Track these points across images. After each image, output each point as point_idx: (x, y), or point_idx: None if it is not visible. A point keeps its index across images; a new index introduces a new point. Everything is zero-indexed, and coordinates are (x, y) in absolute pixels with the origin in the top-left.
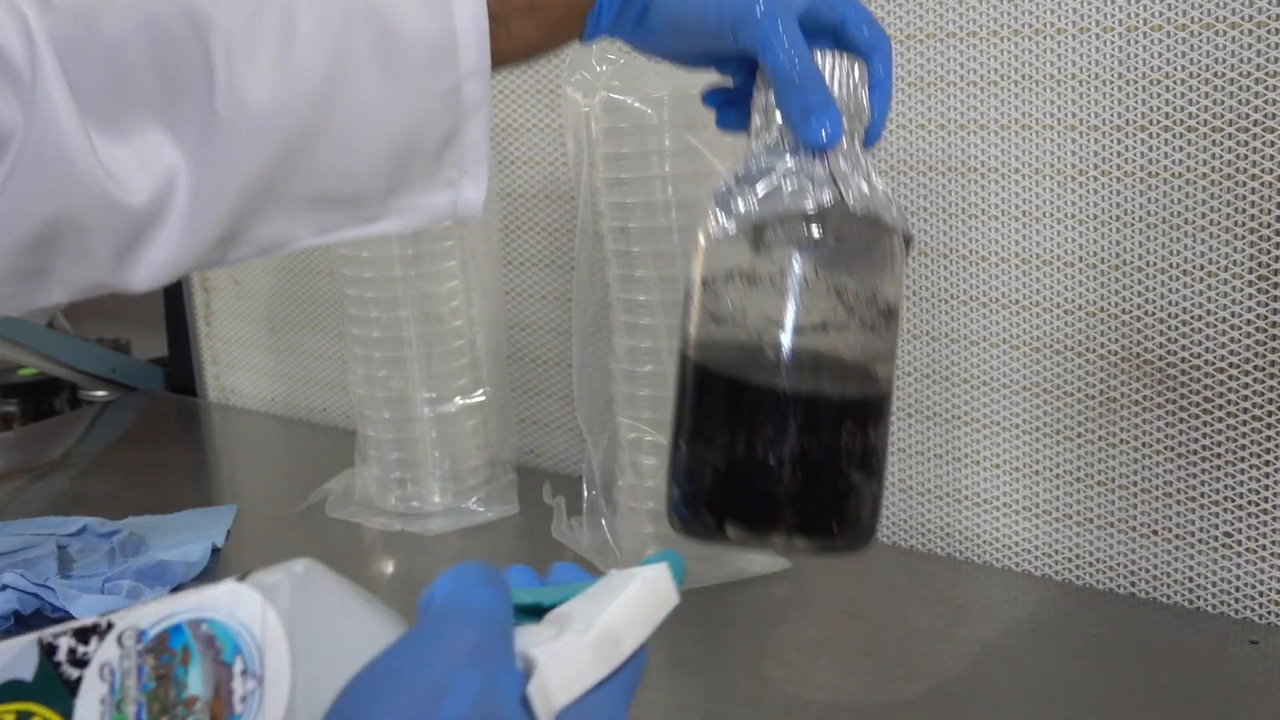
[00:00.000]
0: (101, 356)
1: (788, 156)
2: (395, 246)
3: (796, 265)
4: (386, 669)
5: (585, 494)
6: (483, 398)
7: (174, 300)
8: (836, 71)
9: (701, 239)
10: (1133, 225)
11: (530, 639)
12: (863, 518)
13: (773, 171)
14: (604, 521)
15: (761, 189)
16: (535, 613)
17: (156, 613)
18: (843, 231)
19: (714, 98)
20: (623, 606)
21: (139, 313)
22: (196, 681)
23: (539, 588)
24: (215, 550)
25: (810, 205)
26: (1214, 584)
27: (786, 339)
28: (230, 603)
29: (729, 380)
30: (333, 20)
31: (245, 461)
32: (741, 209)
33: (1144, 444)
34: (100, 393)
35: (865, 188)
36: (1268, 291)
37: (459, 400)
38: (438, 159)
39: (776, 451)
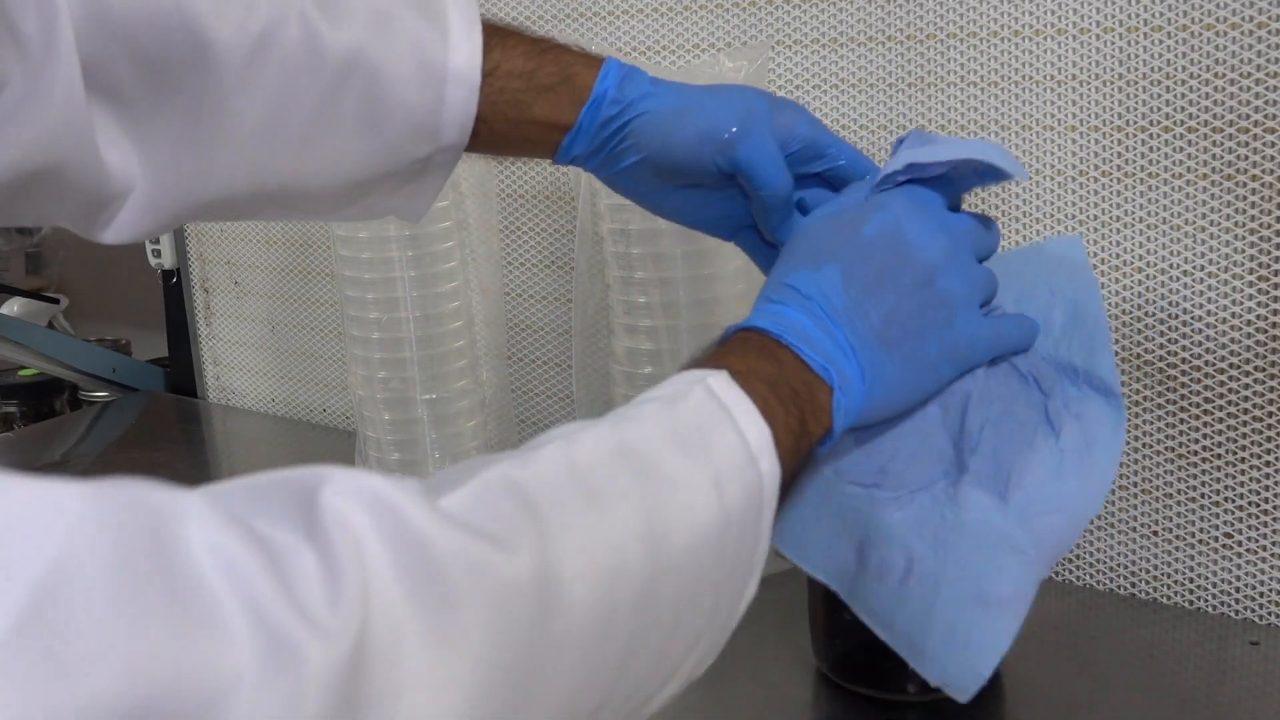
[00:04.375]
0: (102, 357)
1: None
2: (395, 247)
3: None
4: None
5: None
6: (483, 398)
7: (174, 301)
8: None
9: None
10: (1133, 225)
11: None
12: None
13: None
14: None
15: None
16: None
17: None
18: None
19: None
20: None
21: (139, 313)
22: None
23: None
24: None
25: None
26: (1214, 584)
27: None
28: None
29: None
30: (328, 70)
31: (245, 461)
32: None
33: (1144, 444)
34: (101, 393)
35: None
36: (1268, 292)
37: (459, 400)
38: (396, 193)
39: None
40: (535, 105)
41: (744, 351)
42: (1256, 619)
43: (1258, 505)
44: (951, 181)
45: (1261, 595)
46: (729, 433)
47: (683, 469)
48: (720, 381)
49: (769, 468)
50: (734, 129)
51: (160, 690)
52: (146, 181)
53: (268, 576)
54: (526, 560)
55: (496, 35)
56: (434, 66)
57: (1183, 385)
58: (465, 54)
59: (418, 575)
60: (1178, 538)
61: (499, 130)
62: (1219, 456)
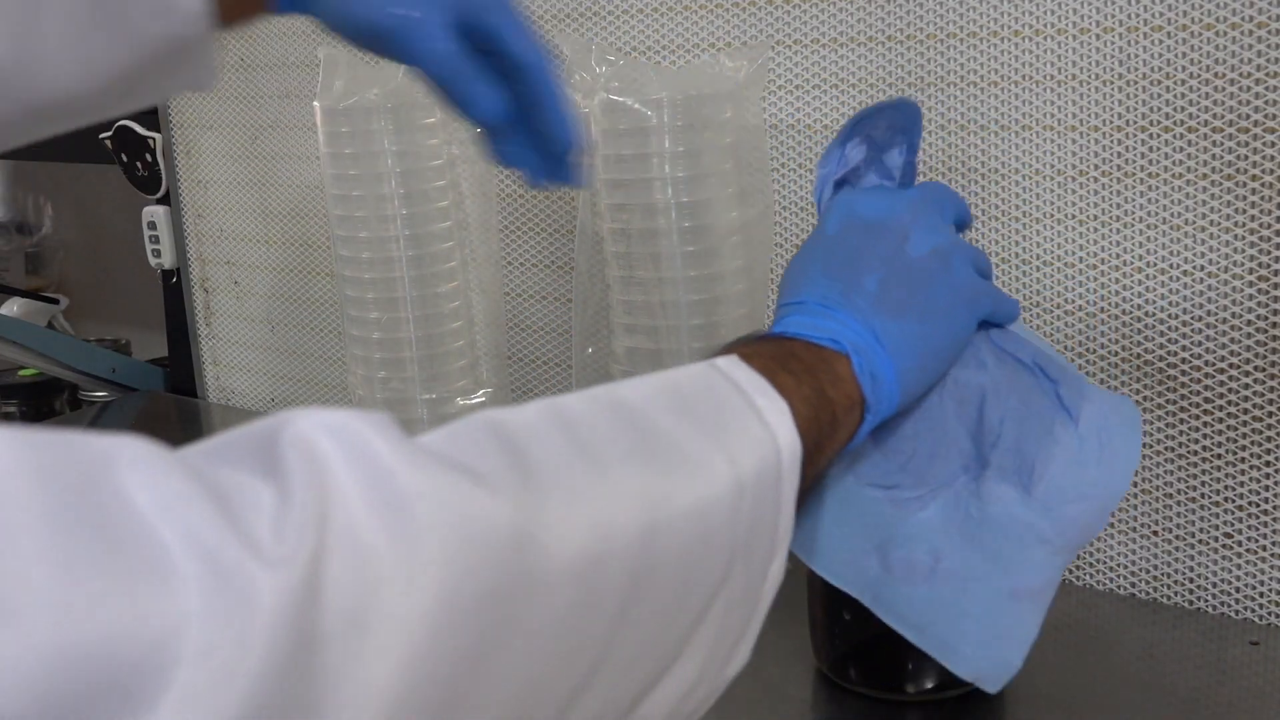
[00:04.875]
0: (102, 357)
1: None
2: (395, 247)
3: None
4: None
5: None
6: (483, 398)
7: (174, 301)
8: None
9: None
10: (1133, 225)
11: None
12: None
13: None
14: None
15: None
16: None
17: None
18: None
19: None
20: None
21: (139, 313)
22: None
23: None
24: None
25: None
26: (1214, 584)
27: None
28: None
29: None
30: None
31: None
32: None
33: (1144, 444)
34: (100, 393)
35: None
36: (1268, 292)
37: (459, 400)
38: (168, 78)
39: None
40: None
41: (743, 343)
42: (1256, 619)
43: (1258, 505)
44: (884, 160)
45: (1261, 595)
46: (740, 406)
47: (688, 433)
48: (727, 361)
49: (787, 440)
50: (398, 13)
51: (101, 637)
52: None
53: (209, 511)
54: (505, 497)
55: None
56: None
57: (1183, 385)
58: None
59: (385, 503)
60: (1178, 538)
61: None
62: (1219, 456)
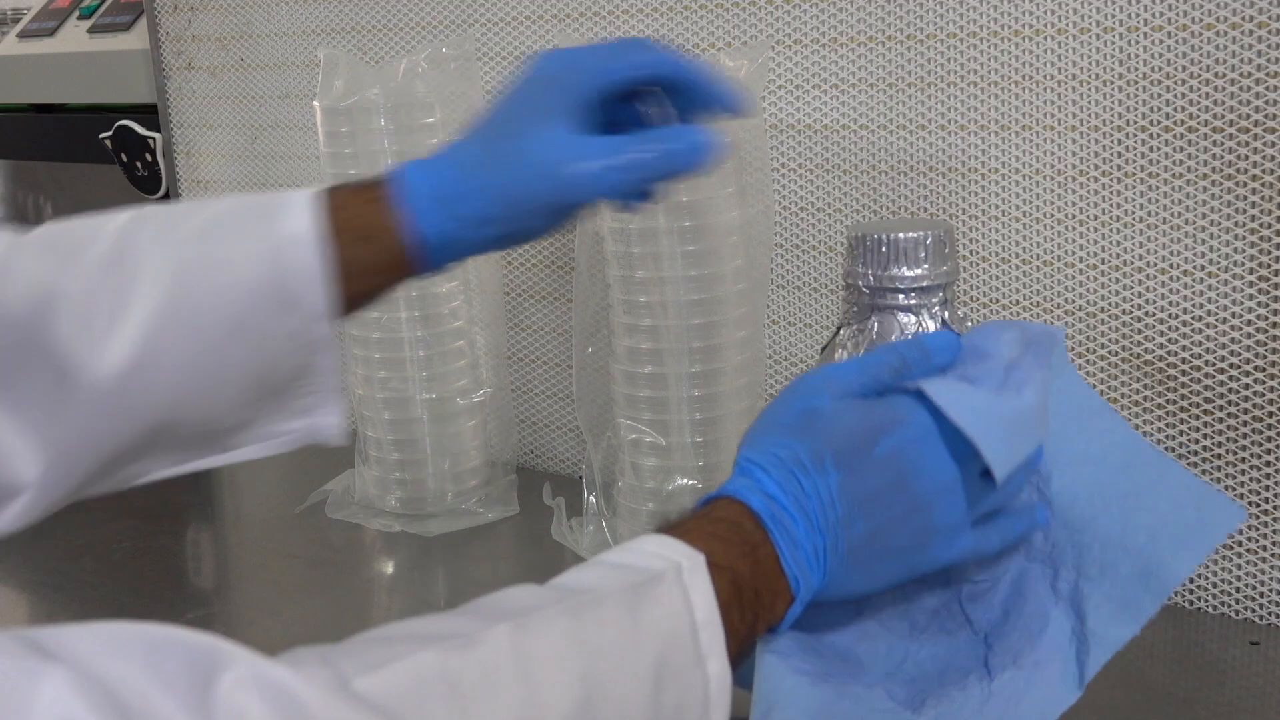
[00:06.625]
0: None
1: None
2: None
3: None
4: None
5: (585, 495)
6: (483, 398)
7: None
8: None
9: None
10: (1133, 225)
11: None
12: None
13: None
14: (604, 523)
15: None
16: None
17: None
18: None
19: None
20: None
21: None
22: None
23: None
24: None
25: None
26: (1214, 585)
27: None
28: None
29: None
30: (165, 279)
31: (245, 462)
32: None
33: None
34: None
35: None
36: (1268, 292)
37: (459, 400)
38: (290, 392)
39: None
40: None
41: (728, 538)
42: (1257, 620)
43: (1258, 505)
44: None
45: (1261, 595)
46: (684, 631)
47: (624, 665)
48: (693, 576)
49: (717, 669)
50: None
51: None
52: (20, 484)
53: None
54: None
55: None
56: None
57: (1183, 385)
58: (299, 218)
59: None
60: None
61: (356, 282)
62: (1219, 456)
